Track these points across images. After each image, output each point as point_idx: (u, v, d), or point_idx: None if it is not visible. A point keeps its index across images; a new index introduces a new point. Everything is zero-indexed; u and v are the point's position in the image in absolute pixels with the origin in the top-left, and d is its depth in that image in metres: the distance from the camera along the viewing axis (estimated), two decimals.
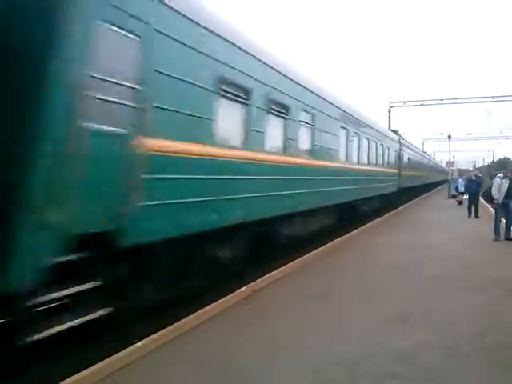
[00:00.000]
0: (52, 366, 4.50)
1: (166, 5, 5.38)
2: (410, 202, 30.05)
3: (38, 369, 4.43)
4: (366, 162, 16.78)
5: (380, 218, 19.12)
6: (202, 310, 6.06)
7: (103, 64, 4.46)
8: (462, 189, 27.40)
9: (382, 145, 19.79)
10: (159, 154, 5.29)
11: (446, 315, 6.24)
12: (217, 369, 4.54)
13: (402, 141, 27.00)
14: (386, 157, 20.69)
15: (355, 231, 14.80)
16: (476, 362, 4.73)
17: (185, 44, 5.76)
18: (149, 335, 5.14)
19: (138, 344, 4.95)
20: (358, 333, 5.54)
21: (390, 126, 35.08)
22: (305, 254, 10.22)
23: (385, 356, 4.81)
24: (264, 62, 8.11)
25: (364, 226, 16.14)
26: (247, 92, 7.48)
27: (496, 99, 37.76)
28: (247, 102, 7.49)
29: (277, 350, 4.99)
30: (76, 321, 4.42)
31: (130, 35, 4.80)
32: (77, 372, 4.19)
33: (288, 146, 9.22)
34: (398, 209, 24.43)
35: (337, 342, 5.23)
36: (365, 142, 16.38)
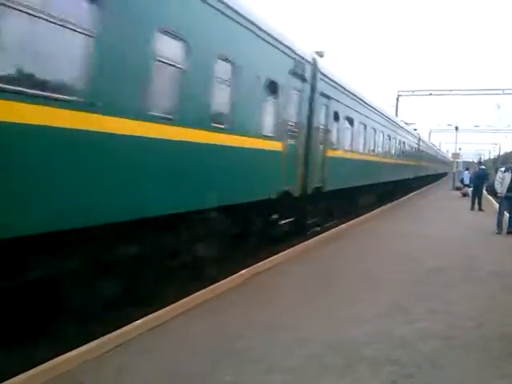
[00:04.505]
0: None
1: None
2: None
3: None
4: None
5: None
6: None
7: None
8: (467, 181, 27.34)
9: None
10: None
11: (444, 304, 6.28)
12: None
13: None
14: None
15: (358, 219, 14.85)
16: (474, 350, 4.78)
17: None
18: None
19: (138, 322, 5.03)
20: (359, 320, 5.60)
21: (397, 115, 34.77)
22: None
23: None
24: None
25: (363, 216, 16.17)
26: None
27: (506, 92, 37.40)
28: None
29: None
30: None
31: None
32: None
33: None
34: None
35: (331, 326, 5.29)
36: None
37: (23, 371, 3.78)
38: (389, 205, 20.56)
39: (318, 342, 4.82)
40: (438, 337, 5.11)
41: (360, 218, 15.13)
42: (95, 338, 4.51)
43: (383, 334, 5.12)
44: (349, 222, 13.72)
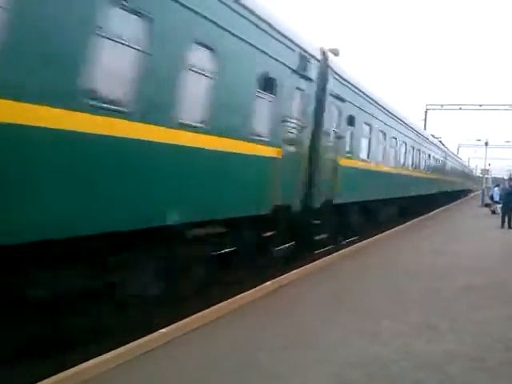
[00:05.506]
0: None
1: None
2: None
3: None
4: None
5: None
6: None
7: None
8: (497, 198, 26.70)
9: None
10: None
11: (473, 324, 6.14)
12: None
13: None
14: None
15: (381, 234, 14.67)
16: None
17: None
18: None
19: (163, 330, 5.07)
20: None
21: (425, 129, 34.34)
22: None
23: None
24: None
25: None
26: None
27: None
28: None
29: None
30: None
31: None
32: None
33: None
34: None
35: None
36: None
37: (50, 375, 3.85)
38: (414, 220, 20.25)
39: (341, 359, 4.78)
40: (467, 358, 4.98)
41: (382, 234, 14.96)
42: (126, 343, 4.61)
43: (409, 352, 5.03)
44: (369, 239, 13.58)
